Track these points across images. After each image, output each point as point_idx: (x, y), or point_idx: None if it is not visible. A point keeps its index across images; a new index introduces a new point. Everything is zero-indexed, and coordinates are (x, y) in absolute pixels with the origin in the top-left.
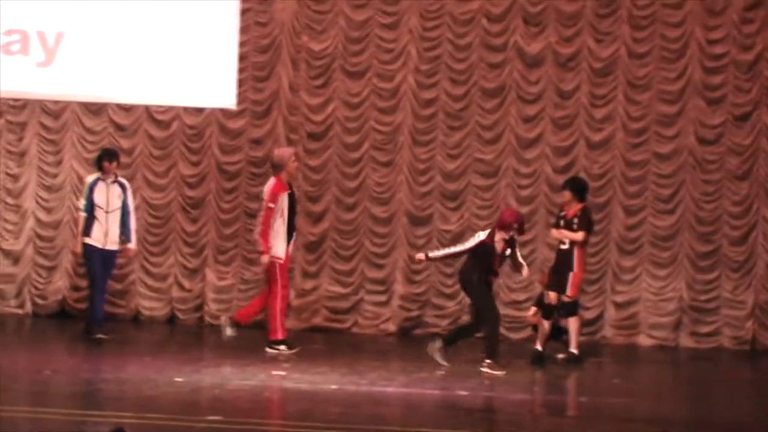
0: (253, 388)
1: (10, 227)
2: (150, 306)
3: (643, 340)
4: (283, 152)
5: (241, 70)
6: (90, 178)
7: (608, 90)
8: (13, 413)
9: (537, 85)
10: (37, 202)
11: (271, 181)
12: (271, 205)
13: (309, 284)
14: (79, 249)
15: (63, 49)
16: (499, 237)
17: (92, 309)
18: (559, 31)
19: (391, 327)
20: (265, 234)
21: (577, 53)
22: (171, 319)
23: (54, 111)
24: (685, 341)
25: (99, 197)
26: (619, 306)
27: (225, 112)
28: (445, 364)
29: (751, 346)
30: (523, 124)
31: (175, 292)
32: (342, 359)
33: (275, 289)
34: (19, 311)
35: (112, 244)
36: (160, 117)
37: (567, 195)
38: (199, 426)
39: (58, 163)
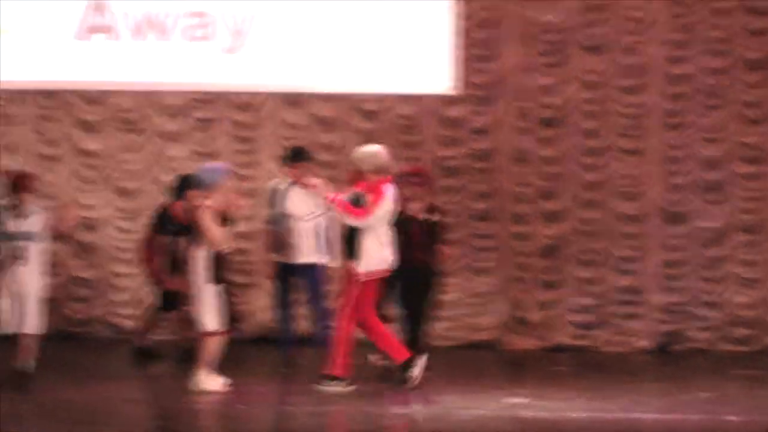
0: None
1: None
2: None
3: None
4: None
5: (459, 49)
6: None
7: None
8: None
9: None
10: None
11: None
12: None
13: (549, 295)
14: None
15: (254, 32)
16: None
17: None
18: None
19: (644, 343)
20: None
21: None
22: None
23: (247, 104)
24: None
25: (292, 204)
26: None
27: (442, 99)
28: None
29: None
30: None
31: None
32: (588, 382)
33: None
34: None
35: (312, 257)
36: (368, 107)
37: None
38: None
39: (254, 164)
